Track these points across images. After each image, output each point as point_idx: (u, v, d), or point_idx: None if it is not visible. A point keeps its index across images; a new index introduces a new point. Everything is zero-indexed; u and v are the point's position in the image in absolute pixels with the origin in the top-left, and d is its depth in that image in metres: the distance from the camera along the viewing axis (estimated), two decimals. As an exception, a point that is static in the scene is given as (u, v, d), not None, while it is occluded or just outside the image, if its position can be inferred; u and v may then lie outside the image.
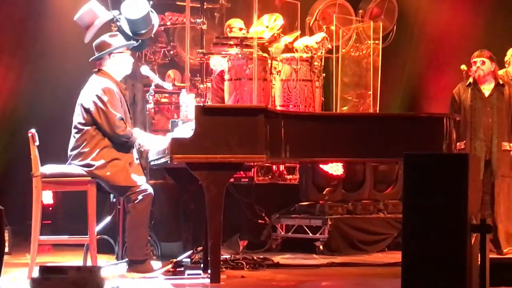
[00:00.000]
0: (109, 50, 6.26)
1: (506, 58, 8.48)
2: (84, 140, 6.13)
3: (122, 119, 6.14)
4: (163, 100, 8.82)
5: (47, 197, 8.50)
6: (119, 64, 6.31)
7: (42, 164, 6.01)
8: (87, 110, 6.13)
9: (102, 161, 6.06)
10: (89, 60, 6.34)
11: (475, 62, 7.61)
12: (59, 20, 8.59)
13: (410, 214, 3.90)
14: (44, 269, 4.82)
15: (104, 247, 6.78)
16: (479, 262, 3.98)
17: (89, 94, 6.17)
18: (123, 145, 6.18)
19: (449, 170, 3.85)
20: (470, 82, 7.64)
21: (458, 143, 7.09)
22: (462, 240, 3.80)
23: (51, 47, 8.94)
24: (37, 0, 8.97)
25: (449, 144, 6.11)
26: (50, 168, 6.06)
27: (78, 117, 6.20)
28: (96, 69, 6.31)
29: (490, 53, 7.63)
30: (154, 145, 6.17)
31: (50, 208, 8.75)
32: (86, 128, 6.14)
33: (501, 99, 7.57)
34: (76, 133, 6.18)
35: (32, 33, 9.06)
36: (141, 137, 6.21)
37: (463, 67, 7.82)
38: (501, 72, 8.32)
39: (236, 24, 8.83)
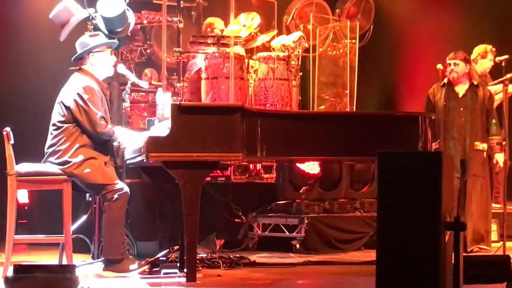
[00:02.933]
0: (88, 49, 6.25)
1: (472, 56, 8.55)
2: (62, 137, 6.11)
3: (103, 117, 6.12)
4: (139, 98, 8.80)
5: (23, 196, 8.45)
6: (99, 62, 6.29)
7: (17, 163, 5.97)
8: (67, 108, 6.11)
9: (79, 158, 6.03)
10: (72, 60, 6.32)
11: (449, 64, 7.65)
12: (34, 18, 8.55)
13: (385, 212, 3.92)
14: (19, 268, 4.78)
15: (80, 246, 6.75)
16: (452, 260, 4.00)
17: (70, 92, 6.15)
18: (104, 144, 6.16)
19: (423, 168, 3.87)
20: (444, 83, 7.69)
21: (434, 143, 7.12)
22: (436, 238, 3.82)
23: (27, 45, 8.89)
24: (12, -2, 8.92)
25: (424, 142, 6.15)
26: (25, 167, 6.02)
27: (57, 115, 6.17)
28: (77, 67, 6.28)
29: (465, 55, 7.68)
30: (135, 143, 6.15)
31: (26, 207, 8.70)
32: (65, 125, 6.12)
33: (475, 100, 7.62)
34: (54, 130, 6.15)
35: (7, 31, 9.00)
36: (123, 136, 6.19)
37: (439, 66, 7.88)
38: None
39: (218, 25, 8.80)
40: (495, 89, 8.04)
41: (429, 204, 3.84)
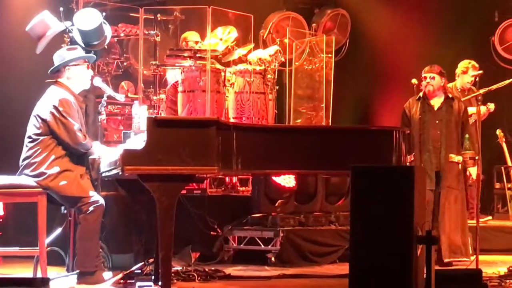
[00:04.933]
0: (64, 63, 6.26)
1: (457, 71, 8.68)
2: (38, 149, 6.10)
3: (81, 129, 6.13)
4: (116, 111, 8.79)
5: (-2, 208, 8.41)
6: (75, 76, 6.30)
7: (-9, 175, 5.95)
8: (44, 121, 6.11)
9: (55, 169, 6.02)
10: (48, 73, 6.32)
11: (425, 77, 7.73)
12: (11, 31, 8.52)
13: (358, 225, 3.96)
14: (-8, 281, 4.77)
15: (54, 259, 6.71)
16: (425, 274, 4.04)
17: (46, 105, 6.16)
18: (80, 156, 6.15)
19: (395, 182, 3.91)
20: (420, 96, 7.76)
21: (408, 156, 7.18)
22: (407, 252, 3.86)
23: (2, 58, 8.86)
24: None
25: (398, 156, 6.19)
26: (0, 179, 6.00)
27: (33, 128, 6.16)
28: (54, 80, 6.29)
29: (440, 68, 7.76)
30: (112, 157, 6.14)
31: (1, 220, 8.65)
32: (41, 138, 6.11)
33: (450, 112, 7.70)
34: (30, 142, 6.15)
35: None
36: (101, 151, 6.18)
37: (414, 81, 7.94)
38: (449, 85, 8.48)
39: (192, 38, 8.85)
40: (470, 111, 8.14)
41: (401, 218, 3.89)
